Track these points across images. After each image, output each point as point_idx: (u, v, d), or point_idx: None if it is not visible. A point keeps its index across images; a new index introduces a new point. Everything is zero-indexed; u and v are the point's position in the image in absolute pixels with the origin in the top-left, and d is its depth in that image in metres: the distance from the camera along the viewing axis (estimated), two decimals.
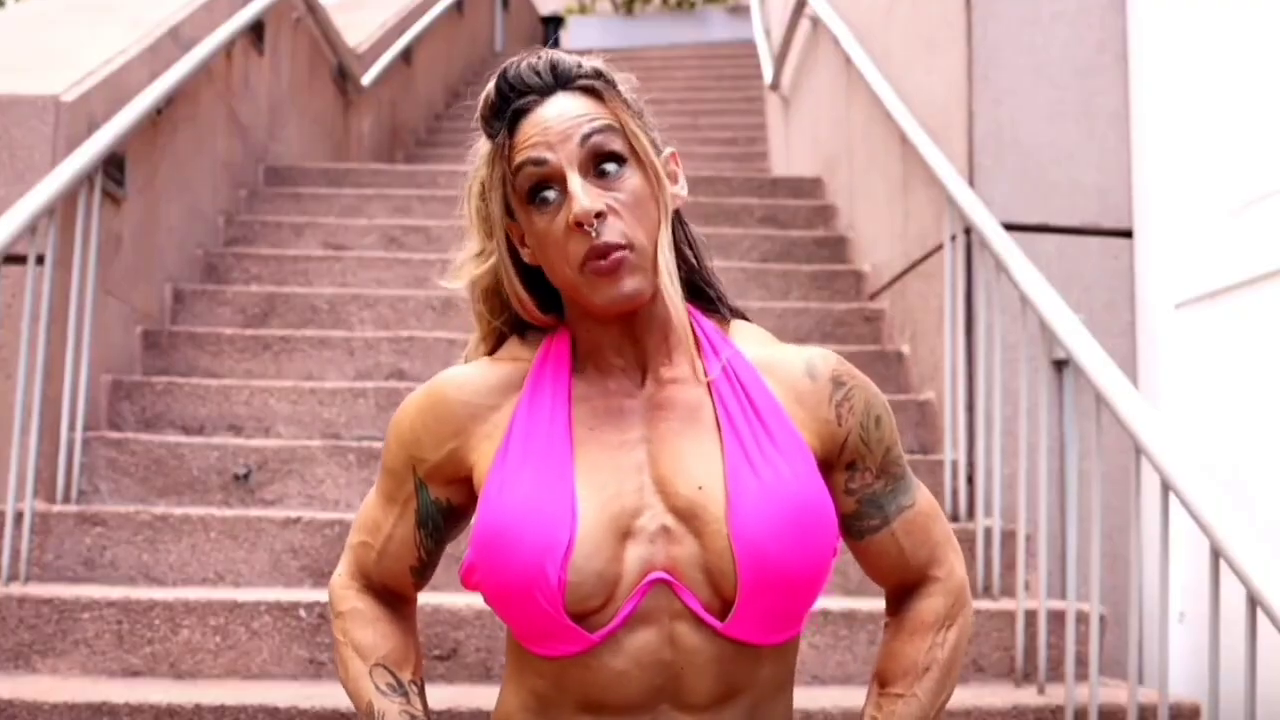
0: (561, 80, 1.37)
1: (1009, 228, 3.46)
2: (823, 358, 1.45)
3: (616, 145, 1.34)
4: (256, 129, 5.60)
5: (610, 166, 1.34)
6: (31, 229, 3.20)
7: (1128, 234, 3.75)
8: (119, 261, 3.95)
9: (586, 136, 1.33)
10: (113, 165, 3.78)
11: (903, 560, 1.48)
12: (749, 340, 1.47)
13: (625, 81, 1.41)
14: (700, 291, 1.48)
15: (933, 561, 1.49)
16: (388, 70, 7.58)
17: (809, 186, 6.02)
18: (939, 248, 3.93)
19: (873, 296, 4.79)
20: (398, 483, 1.46)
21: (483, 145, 1.43)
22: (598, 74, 1.38)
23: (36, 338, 3.27)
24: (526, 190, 1.35)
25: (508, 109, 1.36)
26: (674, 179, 1.42)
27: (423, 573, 1.50)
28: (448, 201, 5.59)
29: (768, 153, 7.79)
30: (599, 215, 1.31)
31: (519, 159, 1.34)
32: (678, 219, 1.44)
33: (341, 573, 1.53)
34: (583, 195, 1.31)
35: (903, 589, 1.51)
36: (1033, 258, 3.26)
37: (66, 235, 3.44)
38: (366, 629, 1.48)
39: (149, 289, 4.28)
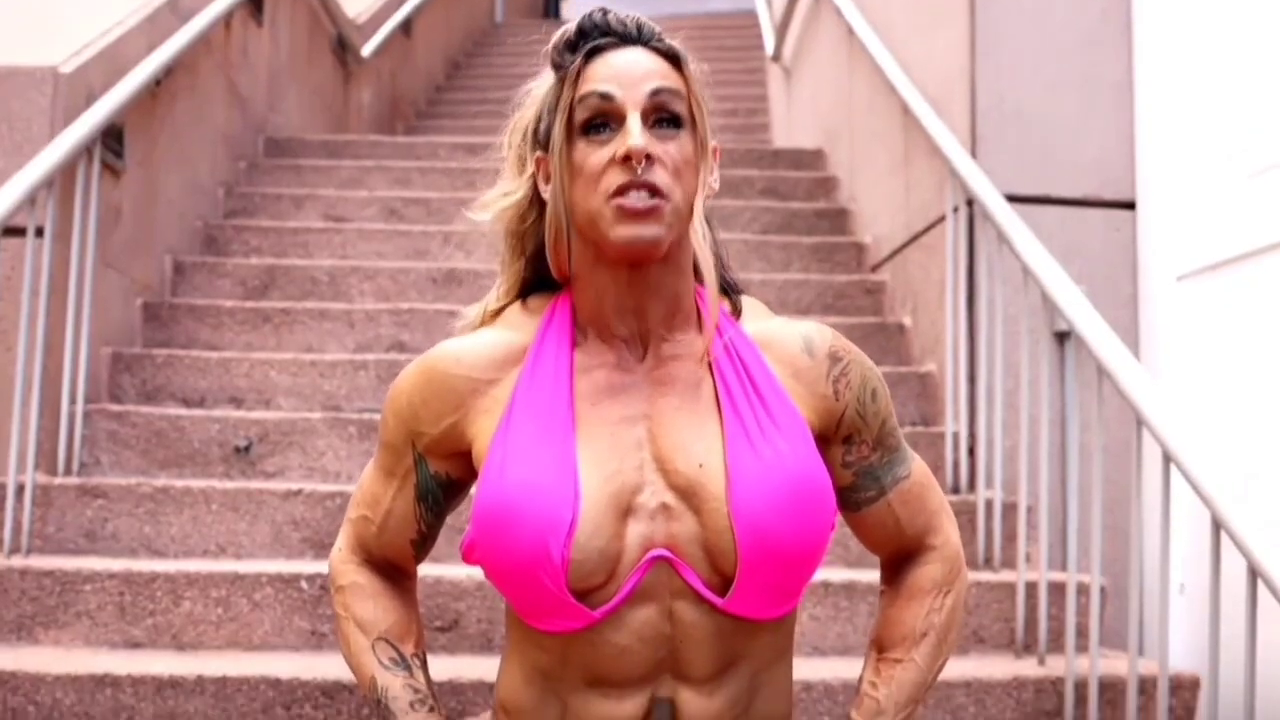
0: (644, 37, 1.40)
1: (1011, 199, 3.45)
2: (819, 332, 1.46)
3: (680, 109, 1.37)
4: (256, 100, 5.57)
5: (669, 125, 1.36)
6: (30, 201, 3.19)
7: (1130, 206, 3.73)
8: (118, 234, 3.94)
9: (657, 90, 1.36)
10: (111, 137, 3.76)
11: (899, 530, 1.49)
12: (746, 315, 1.47)
13: (698, 68, 1.44)
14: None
15: (929, 530, 1.51)
16: (387, 41, 7.54)
17: (810, 158, 5.99)
18: (941, 219, 3.92)
19: (874, 269, 4.77)
20: (396, 457, 1.45)
21: (537, 86, 1.44)
22: (675, 49, 1.42)
23: (36, 310, 3.26)
24: (584, 120, 1.36)
25: (584, 45, 1.38)
26: (710, 170, 1.44)
27: (423, 545, 1.50)
28: (448, 173, 5.57)
29: (769, 124, 7.75)
30: (648, 157, 1.32)
31: (586, 88, 1.36)
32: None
33: (341, 547, 1.53)
34: (638, 134, 1.33)
35: (899, 557, 1.53)
36: (1035, 229, 3.24)
37: (65, 207, 3.43)
38: (368, 603, 1.48)
39: (149, 261, 4.27)
